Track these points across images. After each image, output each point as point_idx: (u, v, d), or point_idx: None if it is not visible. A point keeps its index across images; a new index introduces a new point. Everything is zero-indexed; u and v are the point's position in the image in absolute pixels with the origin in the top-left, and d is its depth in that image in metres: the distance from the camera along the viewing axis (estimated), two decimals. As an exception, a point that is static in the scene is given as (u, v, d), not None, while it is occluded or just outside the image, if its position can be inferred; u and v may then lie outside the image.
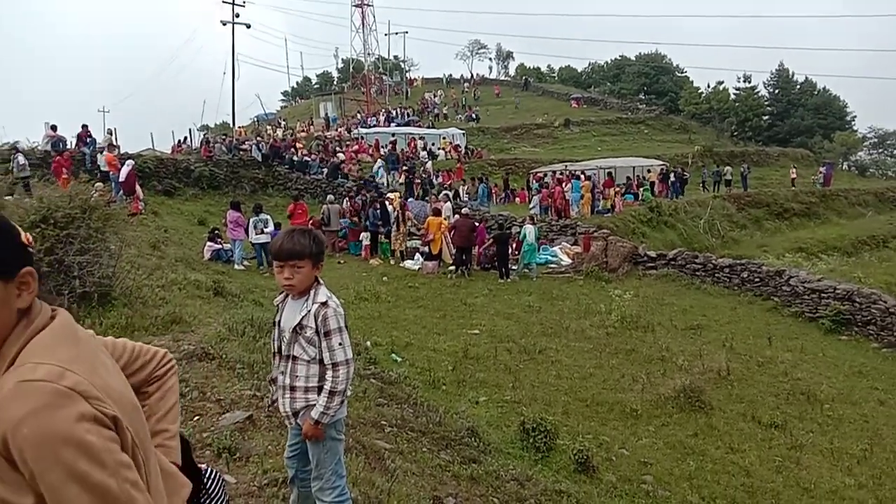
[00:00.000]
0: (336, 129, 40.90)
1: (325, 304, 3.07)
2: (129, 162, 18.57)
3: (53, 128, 21.85)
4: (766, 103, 66.99)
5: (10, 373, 1.11)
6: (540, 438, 6.54)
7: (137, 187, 17.93)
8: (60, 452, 1.04)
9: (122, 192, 17.26)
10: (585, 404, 8.32)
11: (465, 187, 26.02)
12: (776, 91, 67.07)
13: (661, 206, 24.92)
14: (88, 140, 22.05)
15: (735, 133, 60.15)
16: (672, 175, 29.91)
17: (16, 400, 1.06)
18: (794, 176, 36.33)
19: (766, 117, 65.77)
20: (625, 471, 6.64)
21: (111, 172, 18.40)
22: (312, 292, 3.12)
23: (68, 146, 22.03)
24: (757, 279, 15.76)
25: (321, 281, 3.21)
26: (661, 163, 33.14)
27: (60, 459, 1.04)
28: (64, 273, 6.38)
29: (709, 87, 67.49)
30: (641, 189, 26.75)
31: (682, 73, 77.46)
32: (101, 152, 19.58)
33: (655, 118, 54.48)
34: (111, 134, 24.06)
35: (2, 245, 1.18)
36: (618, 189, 25.42)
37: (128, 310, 6.86)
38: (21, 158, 14.58)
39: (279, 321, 3.20)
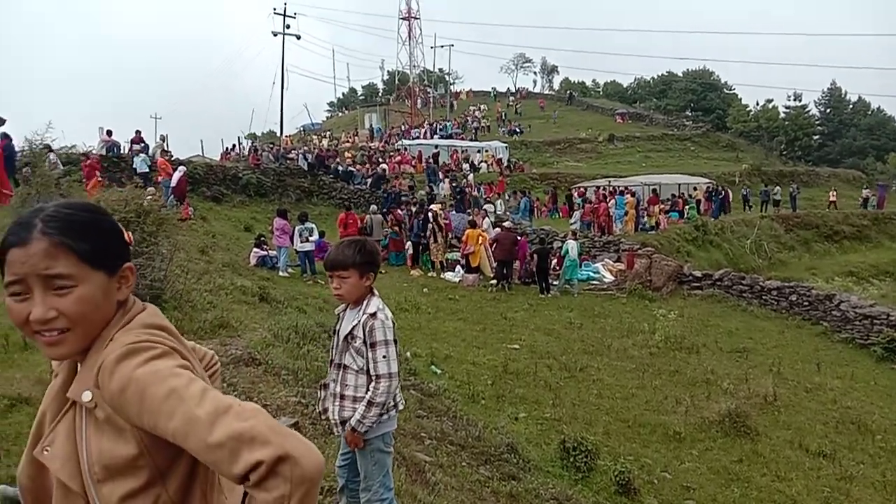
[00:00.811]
0: (380, 141, 41.35)
1: (373, 315, 3.10)
2: (181, 168, 19.03)
3: (108, 133, 22.56)
4: (817, 122, 65.63)
5: (110, 345, 1.22)
6: (580, 458, 6.45)
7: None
8: (151, 385, 1.14)
9: (172, 196, 17.70)
10: (627, 425, 8.19)
11: (501, 200, 25.87)
12: (828, 110, 65.64)
13: (707, 224, 24.48)
14: (142, 145, 22.67)
15: (784, 152, 58.91)
16: (715, 193, 29.43)
17: (119, 362, 1.18)
18: (832, 199, 34.77)
19: (816, 137, 64.37)
20: (667, 495, 6.51)
21: (162, 177, 18.90)
22: (365, 303, 3.16)
23: (122, 151, 22.74)
24: (806, 303, 15.35)
25: (376, 292, 3.24)
26: (707, 181, 32.61)
27: (152, 383, 1.15)
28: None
29: (758, 104, 66.56)
30: (687, 207, 26.34)
31: (730, 90, 76.45)
32: (137, 155, 20.00)
33: (702, 135, 53.63)
34: (163, 140, 24.80)
35: (111, 242, 1.27)
36: (663, 206, 25.07)
37: (178, 313, 7.01)
38: (52, 157, 14.73)
39: (337, 330, 3.25)
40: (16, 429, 4.00)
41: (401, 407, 3.33)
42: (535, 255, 16.53)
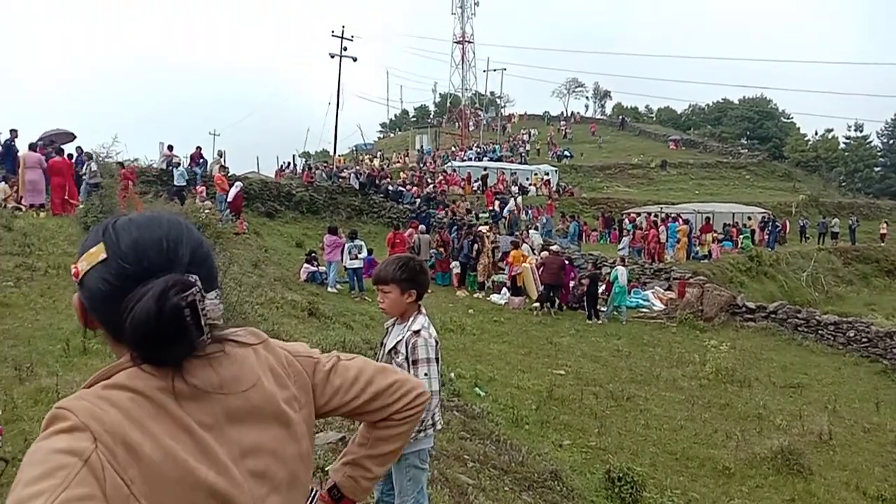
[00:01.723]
0: (429, 162, 41.73)
1: (417, 332, 3.17)
2: (238, 184, 19.58)
3: (170, 148, 23.35)
4: (879, 154, 63.48)
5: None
6: (626, 489, 6.32)
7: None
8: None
9: (228, 211, 18.18)
10: (675, 458, 8.00)
11: (538, 224, 25.41)
12: (891, 141, 63.41)
13: (762, 255, 23.88)
14: (201, 161, 23.42)
15: (843, 184, 57.15)
16: (770, 223, 28.73)
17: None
18: (883, 231, 33.29)
19: (878, 169, 62.28)
20: (715, 532, 6.32)
21: (219, 192, 19.47)
22: (411, 319, 3.23)
23: (182, 166, 23.49)
24: (865, 339, 14.80)
25: (423, 310, 3.30)
26: (762, 210, 31.87)
27: None
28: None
29: (816, 134, 64.89)
30: (741, 237, 25.76)
31: (787, 118, 74.74)
32: (177, 167, 20.31)
33: (758, 164, 52.43)
34: (221, 156, 25.52)
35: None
36: (716, 235, 24.58)
37: (230, 324, 7.16)
38: (93, 165, 14.98)
39: (384, 342, 3.35)
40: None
41: (439, 426, 3.36)
42: (584, 280, 16.37)
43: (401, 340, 3.17)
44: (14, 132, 16.13)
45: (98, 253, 1.08)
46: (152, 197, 15.96)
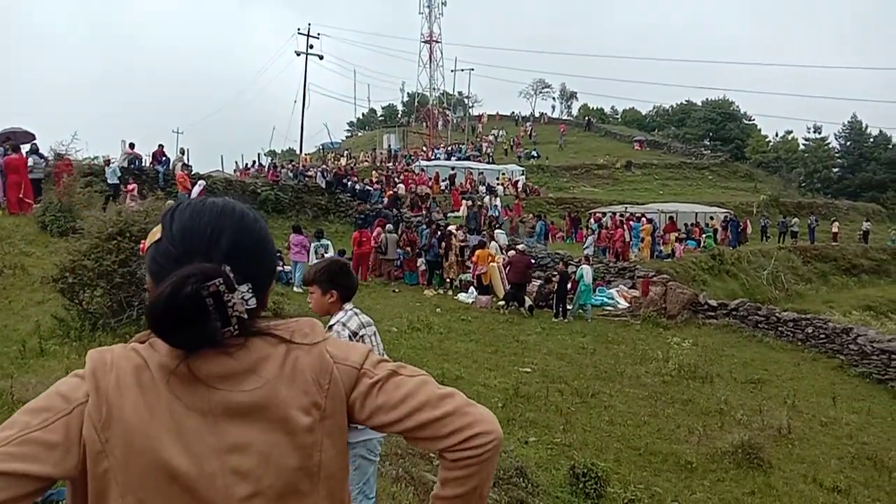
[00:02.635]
0: (396, 161, 41.65)
1: (331, 328, 3.47)
2: (201, 182, 19.30)
3: (131, 146, 22.89)
4: (837, 155, 65.13)
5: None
6: (590, 484, 6.38)
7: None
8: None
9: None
10: (638, 453, 8.09)
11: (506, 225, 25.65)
12: (848, 143, 65.08)
13: (724, 254, 24.33)
14: (163, 159, 22.99)
15: (803, 184, 58.51)
16: (732, 223, 29.28)
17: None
18: (835, 231, 34.03)
19: (836, 169, 63.85)
20: (677, 525, 6.41)
21: (180, 191, 19.15)
22: (331, 316, 3.55)
23: (144, 164, 23.05)
24: (822, 336, 15.15)
25: (346, 308, 3.58)
26: (724, 210, 32.47)
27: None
28: (136, 285, 6.63)
29: (777, 135, 66.36)
30: (704, 236, 26.21)
31: (749, 120, 76.28)
32: (108, 164, 19.50)
33: (720, 165, 53.43)
34: (183, 153, 25.11)
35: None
36: (679, 235, 24.97)
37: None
38: (34, 159, 14.81)
39: None
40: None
41: None
42: (554, 278, 16.46)
43: None
44: (-33, 131, 15.65)
45: (156, 233, 1.15)
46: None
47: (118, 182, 18.70)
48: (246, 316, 1.09)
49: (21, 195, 13.18)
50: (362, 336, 3.57)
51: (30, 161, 14.43)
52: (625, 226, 23.69)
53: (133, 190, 16.54)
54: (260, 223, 1.22)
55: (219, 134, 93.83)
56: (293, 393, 1.13)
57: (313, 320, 1.26)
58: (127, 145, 23.03)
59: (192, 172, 23.09)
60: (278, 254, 14.06)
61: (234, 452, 1.08)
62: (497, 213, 26.84)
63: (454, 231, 19.10)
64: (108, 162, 19.65)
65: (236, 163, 42.36)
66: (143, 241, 1.23)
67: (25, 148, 15.87)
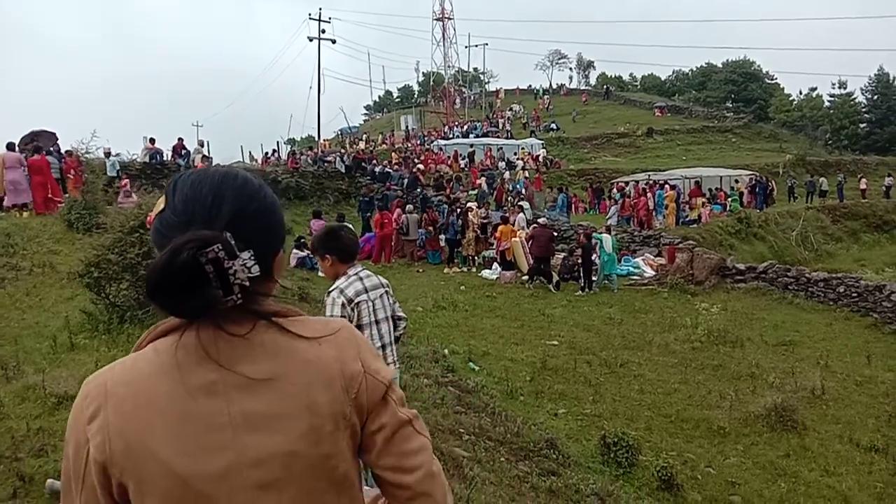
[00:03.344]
0: (415, 141, 41.51)
1: (329, 293, 3.66)
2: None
3: (152, 141, 23.12)
4: (864, 110, 63.46)
5: None
6: (621, 453, 6.37)
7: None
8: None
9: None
10: (669, 420, 8.06)
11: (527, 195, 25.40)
12: (875, 97, 63.27)
13: (751, 217, 23.93)
14: (183, 152, 23.20)
15: (830, 142, 57.20)
16: (758, 184, 28.74)
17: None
18: (863, 187, 32.98)
19: (863, 125, 62.25)
20: (711, 490, 6.38)
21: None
22: (336, 281, 3.70)
23: (165, 158, 23.28)
24: (854, 294, 14.87)
25: (350, 273, 3.70)
26: (750, 173, 31.88)
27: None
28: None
29: (801, 93, 64.85)
30: (729, 199, 25.80)
31: (772, 79, 74.63)
32: (108, 157, 19.47)
33: (744, 126, 52.38)
34: (202, 145, 25.25)
35: None
36: (705, 199, 24.61)
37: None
38: (52, 158, 14.70)
39: None
40: (62, 426, 4.12)
41: None
42: (577, 251, 16.34)
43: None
44: (-9, 133, 15.86)
45: (160, 204, 1.14)
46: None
47: (116, 175, 18.84)
48: (248, 284, 1.06)
49: (49, 195, 13.39)
50: (358, 303, 3.65)
51: (51, 161, 14.63)
52: (648, 193, 23.39)
53: (126, 185, 16.54)
54: (264, 190, 1.21)
55: (238, 126, 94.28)
56: (321, 398, 1.10)
57: (321, 319, 1.25)
58: (147, 140, 23.27)
59: (213, 164, 23.23)
60: (301, 240, 14.10)
61: (255, 467, 1.06)
62: (518, 188, 26.63)
63: (473, 207, 19.03)
64: (107, 154, 19.75)
65: (256, 153, 42.52)
66: (149, 214, 1.21)
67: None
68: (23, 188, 13.50)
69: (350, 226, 15.14)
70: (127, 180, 18.01)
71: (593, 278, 15.93)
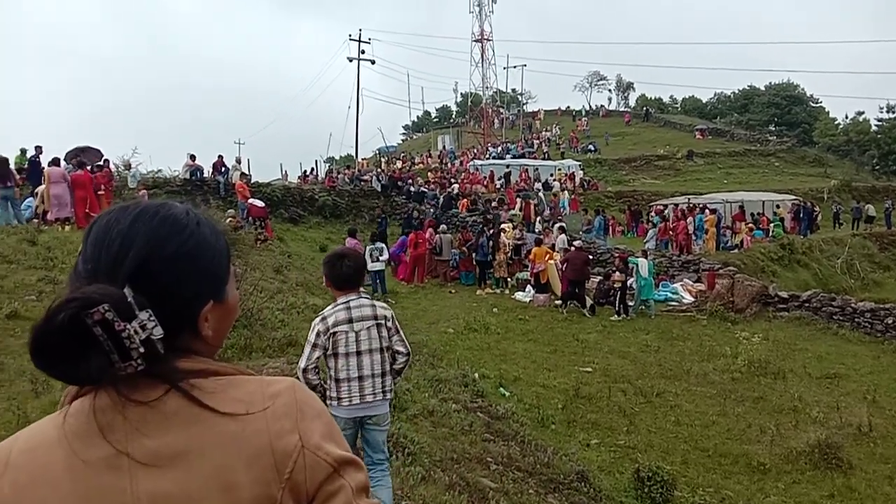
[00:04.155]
0: (451, 162, 41.62)
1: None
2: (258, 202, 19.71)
3: (192, 157, 23.60)
4: (914, 135, 61.61)
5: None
6: (656, 489, 6.14)
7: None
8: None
9: (250, 218, 18.28)
10: (707, 455, 7.77)
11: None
12: (926, 121, 61.49)
13: (794, 243, 23.31)
14: (223, 169, 23.61)
15: (877, 167, 55.62)
16: (802, 210, 28.03)
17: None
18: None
19: (913, 150, 60.41)
20: (750, 531, 6.10)
21: (239, 200, 19.62)
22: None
23: (205, 174, 23.71)
24: (904, 326, 14.31)
25: (340, 301, 3.86)
26: (793, 198, 31.15)
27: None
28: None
29: (847, 117, 63.16)
30: (772, 225, 25.20)
31: (816, 103, 73.20)
32: (128, 168, 19.98)
33: (787, 150, 51.33)
34: (239, 162, 25.66)
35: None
36: (749, 225, 24.08)
37: (247, 331, 7.13)
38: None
39: None
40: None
41: (345, 403, 3.73)
42: (614, 275, 16.05)
43: None
44: (39, 149, 16.36)
45: (81, 243, 0.98)
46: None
47: (135, 188, 19.27)
48: (156, 346, 0.89)
49: (87, 210, 13.68)
50: (335, 332, 3.73)
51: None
52: (688, 217, 22.97)
53: (143, 195, 16.80)
54: (190, 230, 1.01)
55: (280, 143, 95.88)
56: (241, 478, 0.92)
57: (263, 378, 1.04)
58: (189, 157, 23.75)
59: (252, 181, 23.59)
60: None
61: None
62: (548, 208, 26.38)
63: (506, 228, 18.89)
64: (128, 167, 20.21)
65: (296, 171, 43.14)
66: None
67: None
68: (66, 202, 13.83)
69: (385, 246, 15.08)
70: (144, 191, 18.33)
71: (629, 303, 15.62)
